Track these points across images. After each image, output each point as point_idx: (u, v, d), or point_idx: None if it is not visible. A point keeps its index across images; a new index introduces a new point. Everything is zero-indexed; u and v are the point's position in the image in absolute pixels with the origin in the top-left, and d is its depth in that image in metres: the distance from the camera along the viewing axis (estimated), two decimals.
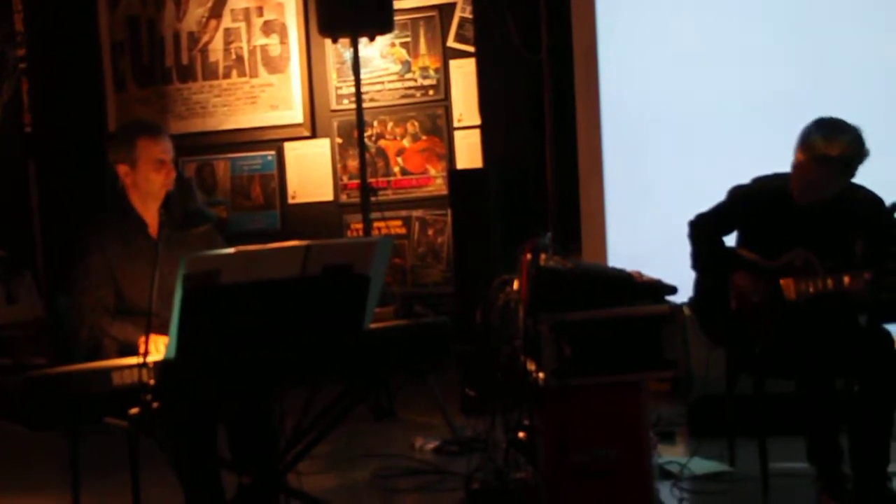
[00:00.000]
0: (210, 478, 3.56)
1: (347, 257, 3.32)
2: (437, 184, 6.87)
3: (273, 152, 7.22)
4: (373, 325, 3.52)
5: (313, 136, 7.13)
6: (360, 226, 6.30)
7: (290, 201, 7.21)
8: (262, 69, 7.22)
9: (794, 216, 3.85)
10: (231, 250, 3.11)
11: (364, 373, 3.67)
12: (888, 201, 3.74)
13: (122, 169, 3.79)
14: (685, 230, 4.12)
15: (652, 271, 3.79)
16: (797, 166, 3.79)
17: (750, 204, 3.99)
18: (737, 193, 4.04)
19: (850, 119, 3.78)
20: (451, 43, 6.85)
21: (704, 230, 4.06)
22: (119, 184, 3.85)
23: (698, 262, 4.06)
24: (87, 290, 3.69)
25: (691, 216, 4.13)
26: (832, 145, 3.69)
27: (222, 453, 3.68)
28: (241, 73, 7.25)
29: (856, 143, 3.71)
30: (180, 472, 3.53)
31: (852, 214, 3.81)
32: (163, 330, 3.26)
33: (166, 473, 3.56)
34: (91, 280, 3.69)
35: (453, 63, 6.84)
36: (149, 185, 3.75)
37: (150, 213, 3.76)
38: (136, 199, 3.81)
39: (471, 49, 6.71)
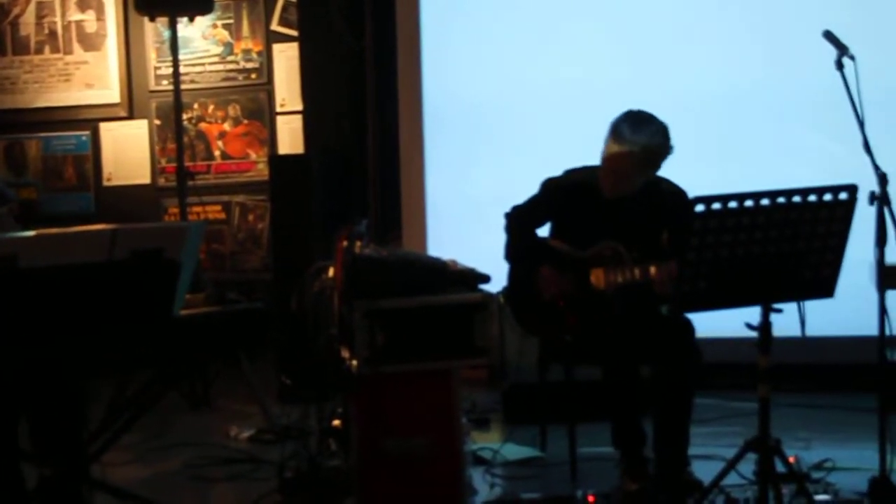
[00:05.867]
0: (9, 469, 3.43)
1: (157, 242, 3.22)
2: (259, 169, 6.77)
3: (88, 132, 6.98)
4: (184, 312, 3.45)
5: (131, 116, 6.94)
6: (178, 210, 6.16)
7: (106, 183, 6.99)
8: (76, 46, 6.96)
9: (602, 208, 3.96)
10: (30, 233, 3.00)
11: (173, 360, 3.59)
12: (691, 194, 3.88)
13: None
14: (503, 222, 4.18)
15: (472, 260, 3.83)
16: (604, 158, 3.89)
17: (561, 196, 4.07)
18: (548, 185, 4.12)
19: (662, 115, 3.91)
20: (274, 26, 6.77)
21: (518, 221, 4.12)
22: None
23: (511, 252, 4.13)
24: None
25: (509, 207, 4.19)
26: (637, 136, 3.80)
27: (23, 444, 3.54)
28: (55, 50, 6.98)
29: (660, 136, 3.83)
30: None
31: (658, 207, 3.94)
32: None
33: None
34: None
35: (276, 47, 6.77)
36: None
37: None
38: None
39: (294, 33, 6.64)
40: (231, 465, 4.50)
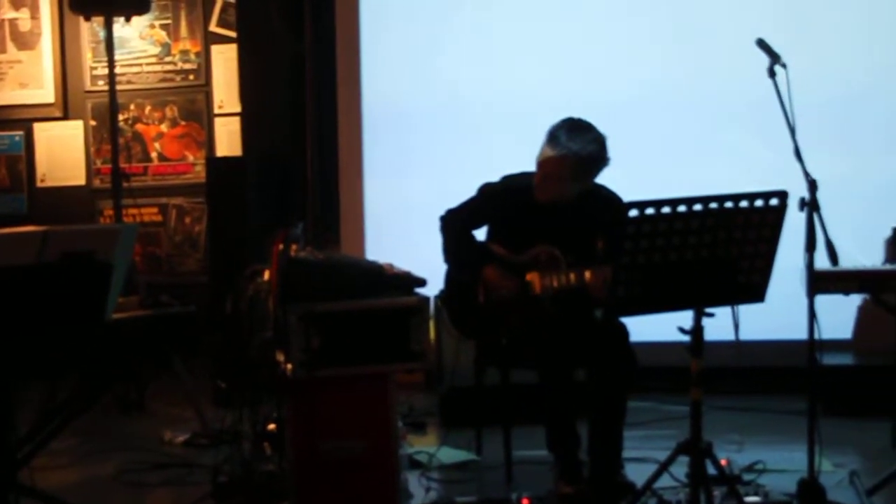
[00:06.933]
0: None
1: (89, 244, 3.20)
2: (196, 171, 6.71)
3: (21, 132, 6.87)
4: (116, 315, 3.41)
5: (65, 117, 6.84)
6: (113, 212, 6.09)
7: (39, 184, 6.88)
8: (10, 44, 6.85)
9: (538, 213, 3.97)
10: None
11: (105, 363, 3.55)
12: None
13: None
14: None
15: (408, 264, 3.83)
16: (539, 162, 3.92)
17: (498, 200, 4.09)
18: (486, 190, 4.14)
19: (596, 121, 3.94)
20: (213, 27, 6.72)
21: (455, 224, 4.13)
22: None
23: (449, 255, 4.14)
24: None
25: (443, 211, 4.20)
26: (572, 143, 3.83)
27: None
28: None
29: (595, 145, 3.86)
30: None
31: (595, 213, 3.96)
32: None
33: None
34: None
35: (215, 48, 6.71)
36: None
37: None
38: None
39: (233, 35, 6.59)
40: (165, 469, 4.46)
